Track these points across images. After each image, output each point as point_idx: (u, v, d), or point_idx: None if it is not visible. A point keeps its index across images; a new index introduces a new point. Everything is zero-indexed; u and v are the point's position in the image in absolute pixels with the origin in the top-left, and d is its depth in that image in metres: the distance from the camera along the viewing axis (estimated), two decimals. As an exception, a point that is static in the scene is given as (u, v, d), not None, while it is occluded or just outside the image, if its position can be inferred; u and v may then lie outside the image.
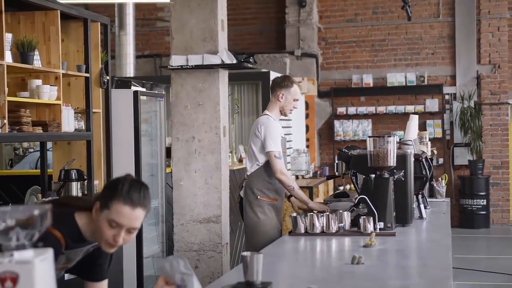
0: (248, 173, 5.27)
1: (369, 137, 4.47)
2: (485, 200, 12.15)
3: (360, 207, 4.51)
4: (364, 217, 4.23)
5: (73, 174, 5.48)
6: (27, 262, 1.76)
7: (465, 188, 12.23)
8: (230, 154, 7.80)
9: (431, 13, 12.73)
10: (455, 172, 12.58)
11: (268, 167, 5.15)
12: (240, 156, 8.12)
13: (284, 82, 5.28)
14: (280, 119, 5.40)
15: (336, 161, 5.20)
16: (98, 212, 2.60)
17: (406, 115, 12.44)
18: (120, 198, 2.56)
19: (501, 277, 8.30)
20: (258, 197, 5.18)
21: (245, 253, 2.76)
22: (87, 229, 2.68)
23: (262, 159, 5.16)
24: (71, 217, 2.69)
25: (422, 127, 12.28)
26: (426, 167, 5.04)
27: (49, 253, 1.83)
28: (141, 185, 2.63)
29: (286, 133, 10.10)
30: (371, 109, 12.70)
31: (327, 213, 4.33)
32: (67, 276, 3.29)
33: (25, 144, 8.18)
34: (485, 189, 12.19)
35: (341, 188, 11.40)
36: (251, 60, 6.16)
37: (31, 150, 8.32)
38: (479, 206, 12.14)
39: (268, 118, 5.22)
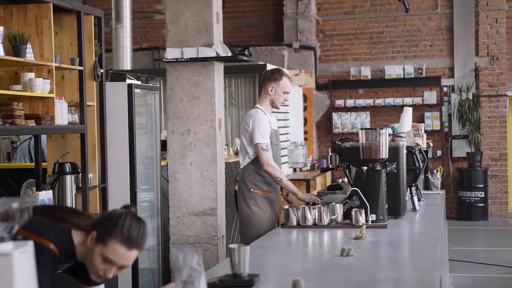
0: (241, 167, 5.30)
1: (361, 129, 4.47)
2: (483, 192, 12.15)
3: (353, 199, 4.51)
4: (356, 209, 4.23)
5: (67, 167, 5.47)
6: (6, 255, 1.76)
7: (463, 180, 12.23)
8: (226, 146, 7.81)
9: (429, 5, 12.70)
10: (453, 164, 12.58)
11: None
12: (237, 149, 8.13)
13: (274, 75, 5.29)
14: (278, 112, 5.42)
15: (330, 154, 5.20)
16: (93, 242, 2.59)
17: (404, 108, 12.41)
18: (118, 237, 2.56)
19: (498, 269, 8.31)
20: (251, 189, 5.21)
21: (232, 246, 2.77)
22: (80, 250, 2.66)
23: (252, 152, 5.18)
24: (68, 234, 2.66)
25: (420, 119, 12.28)
26: (420, 159, 5.03)
27: (29, 245, 1.83)
28: (140, 224, 2.62)
29: (284, 126, 10.14)
30: (369, 101, 12.69)
31: (319, 206, 4.33)
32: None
33: (23, 137, 8.17)
34: (483, 181, 12.19)
35: (340, 180, 11.43)
36: (246, 52, 6.15)
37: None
38: (477, 198, 12.14)
39: (257, 111, 5.23)
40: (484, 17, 12.45)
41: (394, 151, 4.53)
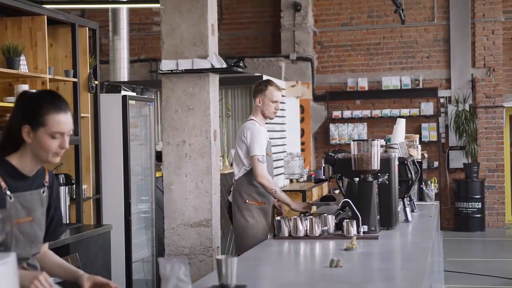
0: (236, 178, 5.35)
1: (353, 140, 4.48)
2: (480, 203, 12.16)
3: (345, 210, 4.52)
4: (348, 220, 4.23)
5: (61, 179, 5.49)
6: (-12, 266, 1.78)
7: (460, 191, 12.24)
8: (221, 158, 7.83)
9: (425, 17, 12.75)
10: (450, 175, 12.59)
11: None
12: (232, 160, 8.14)
13: (259, 86, 5.40)
14: (275, 123, 5.48)
15: (323, 165, 5.22)
16: (31, 133, 2.67)
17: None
18: (51, 111, 2.66)
19: (495, 280, 8.31)
20: (247, 201, 5.24)
21: (219, 257, 2.79)
22: (23, 165, 2.72)
23: (248, 164, 5.22)
24: (5, 162, 2.71)
25: (417, 130, 12.31)
26: (412, 171, 5.04)
27: (12, 257, 1.84)
28: (55, 93, 2.77)
29: (280, 137, 10.17)
30: (366, 112, 12.72)
31: (311, 217, 4.33)
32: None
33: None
34: (480, 192, 12.20)
35: (337, 191, 11.42)
36: (241, 64, 6.18)
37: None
38: (474, 209, 12.14)
39: (254, 123, 5.28)
40: (480, 28, 12.50)
41: (386, 162, 4.55)
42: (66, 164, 5.71)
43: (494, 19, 12.46)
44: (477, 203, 12.13)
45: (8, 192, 2.67)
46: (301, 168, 9.82)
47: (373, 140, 4.45)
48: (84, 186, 5.75)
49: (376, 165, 4.40)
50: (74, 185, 5.62)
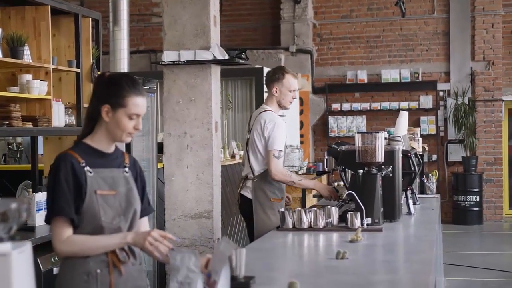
0: (255, 173, 5.15)
1: (358, 133, 4.48)
2: (478, 196, 12.19)
3: (348, 202, 4.53)
4: (352, 212, 4.24)
5: (64, 169, 5.47)
6: (4, 255, 1.77)
7: (459, 184, 12.26)
8: (222, 149, 7.82)
9: (425, 10, 12.75)
10: (448, 169, 12.61)
11: None
12: (233, 152, 8.13)
13: (275, 75, 5.17)
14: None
15: (326, 157, 5.20)
16: (110, 113, 2.82)
17: (400, 112, 12.45)
18: (132, 94, 2.82)
19: (493, 273, 8.34)
20: (271, 199, 5.11)
21: (227, 247, 2.78)
22: (98, 144, 2.87)
23: None
24: (81, 142, 2.88)
25: (416, 123, 12.31)
26: (415, 163, 5.05)
27: (27, 246, 1.84)
28: (133, 77, 2.93)
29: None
30: (366, 105, 12.72)
31: (314, 208, 4.32)
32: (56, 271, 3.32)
33: (19, 139, 8.18)
34: (479, 185, 12.22)
35: (335, 184, 11.43)
36: (243, 56, 6.17)
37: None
38: (472, 203, 12.17)
39: (273, 115, 5.09)
40: (480, 22, 12.50)
41: (389, 154, 4.55)
42: (69, 155, 5.69)
43: (494, 12, 12.45)
44: (475, 196, 12.16)
45: (87, 168, 2.81)
46: (300, 161, 9.83)
47: (378, 132, 4.45)
48: (86, 177, 5.74)
49: (380, 157, 4.40)
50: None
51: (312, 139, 12.95)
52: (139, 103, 2.84)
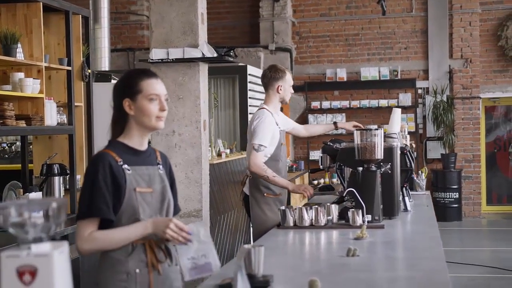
0: (251, 170, 5.15)
1: (357, 130, 4.49)
2: (457, 193, 12.30)
3: (346, 200, 4.53)
4: (353, 210, 4.24)
5: (56, 169, 5.41)
6: (45, 255, 1.74)
7: (438, 181, 12.36)
8: (209, 148, 7.78)
9: (404, 8, 12.82)
10: (428, 166, 12.69)
11: (271, 162, 5.10)
12: (219, 150, 8.10)
13: (278, 73, 5.26)
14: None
15: (321, 154, 5.20)
16: (132, 105, 2.83)
17: (379, 109, 12.55)
18: (142, 78, 2.85)
19: (472, 268, 8.43)
20: (265, 194, 5.14)
21: (246, 246, 2.76)
22: (132, 141, 2.87)
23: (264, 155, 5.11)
24: (115, 141, 2.88)
25: (396, 121, 12.36)
26: (411, 160, 5.08)
27: (65, 246, 1.81)
28: (140, 68, 3.04)
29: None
30: (345, 103, 12.76)
31: (316, 206, 4.32)
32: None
33: (11, 138, 8.05)
34: (457, 182, 12.33)
35: (322, 181, 11.46)
36: (231, 53, 6.14)
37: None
38: (452, 199, 12.28)
39: (264, 112, 5.15)
40: (458, 20, 12.60)
41: (388, 151, 4.56)
42: (60, 154, 5.63)
43: (471, 10, 12.57)
44: (454, 193, 12.27)
45: (125, 166, 2.81)
46: (284, 159, 9.81)
47: (377, 129, 4.46)
48: (78, 176, 5.68)
49: (379, 154, 4.41)
50: (68, 175, 5.53)
51: (292, 138, 12.95)
52: (153, 83, 2.85)
